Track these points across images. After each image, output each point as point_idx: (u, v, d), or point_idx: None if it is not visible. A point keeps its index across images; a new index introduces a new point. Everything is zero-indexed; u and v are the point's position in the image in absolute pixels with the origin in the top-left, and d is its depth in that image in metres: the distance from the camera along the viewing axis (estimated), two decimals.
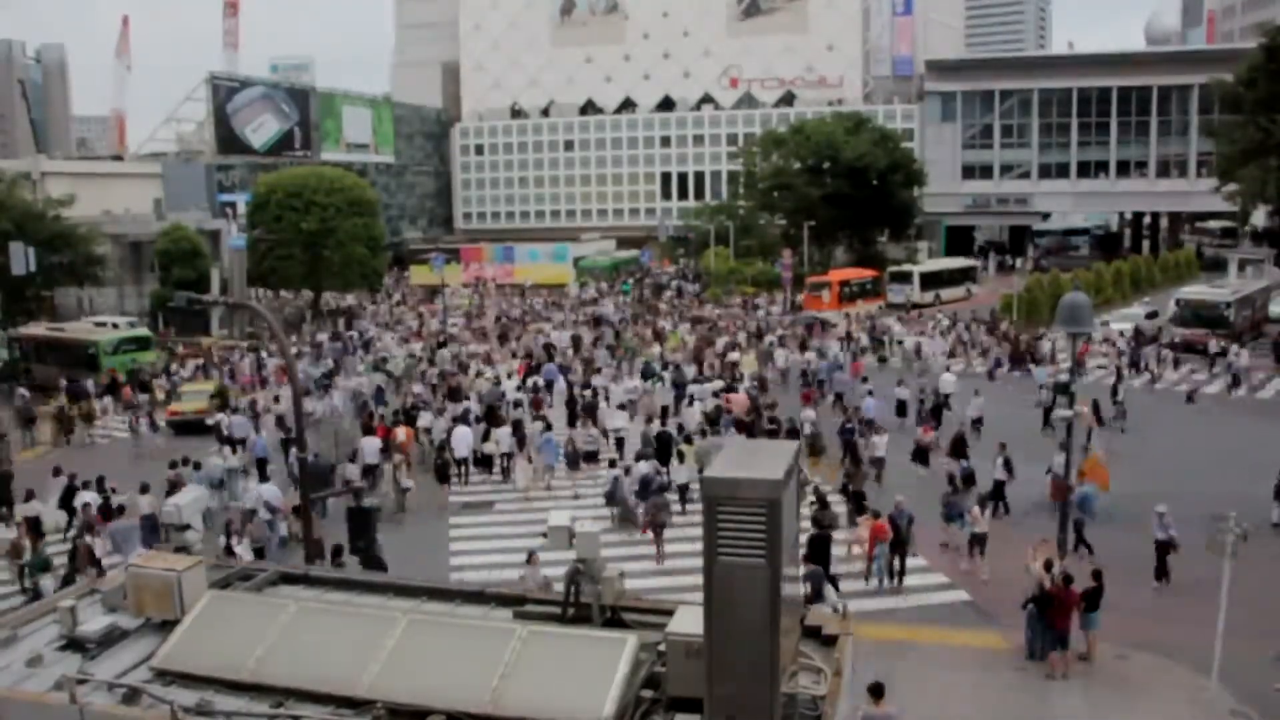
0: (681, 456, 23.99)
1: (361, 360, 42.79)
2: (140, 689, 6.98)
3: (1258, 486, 21.82)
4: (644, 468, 23.19)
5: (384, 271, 68.65)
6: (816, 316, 51.94)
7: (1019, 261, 78.30)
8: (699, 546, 6.05)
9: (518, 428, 27.69)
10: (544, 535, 22.48)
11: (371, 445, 26.08)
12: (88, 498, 22.30)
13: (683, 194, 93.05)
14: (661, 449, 24.90)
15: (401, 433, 27.47)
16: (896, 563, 19.11)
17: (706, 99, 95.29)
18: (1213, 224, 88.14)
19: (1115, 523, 20.48)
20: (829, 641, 7.45)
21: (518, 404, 31.42)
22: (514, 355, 42.67)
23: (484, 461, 27.17)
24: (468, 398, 31.80)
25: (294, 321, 58.32)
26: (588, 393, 32.47)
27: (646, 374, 36.19)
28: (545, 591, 10.61)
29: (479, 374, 36.68)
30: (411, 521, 23.39)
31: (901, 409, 30.52)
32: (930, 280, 60.83)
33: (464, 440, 26.80)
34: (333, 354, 43.63)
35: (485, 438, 27.35)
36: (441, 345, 44.05)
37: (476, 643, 7.13)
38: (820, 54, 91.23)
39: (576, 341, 44.31)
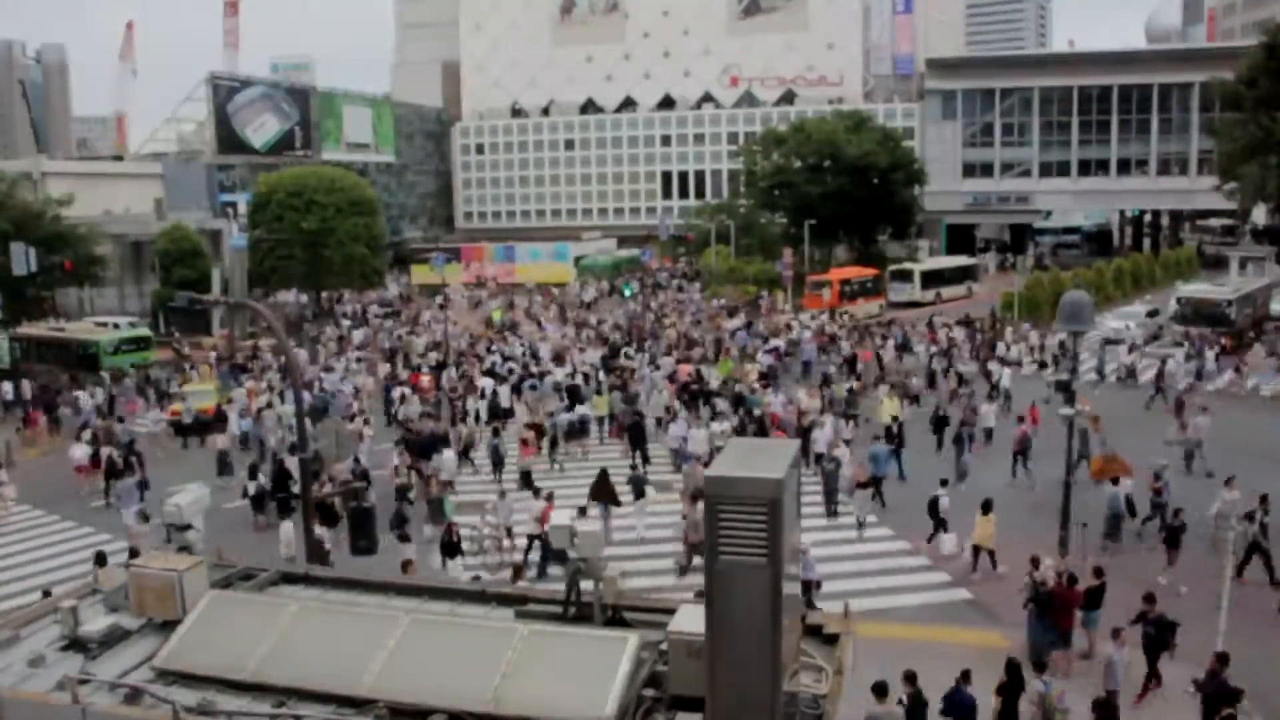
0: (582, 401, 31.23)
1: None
2: (142, 689, 6.98)
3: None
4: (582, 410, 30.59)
5: (384, 271, 68.43)
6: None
7: (1019, 260, 78.19)
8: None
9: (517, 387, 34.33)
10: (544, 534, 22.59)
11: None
12: (78, 453, 27.06)
13: (683, 193, 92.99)
14: (572, 396, 31.90)
15: (425, 379, 35.10)
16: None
17: (707, 98, 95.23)
18: (1214, 222, 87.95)
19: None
20: (830, 640, 7.46)
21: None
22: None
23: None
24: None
25: (294, 320, 58.31)
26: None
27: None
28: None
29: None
30: (412, 521, 23.36)
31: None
32: (931, 279, 60.88)
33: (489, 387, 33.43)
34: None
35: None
36: (441, 369, 38.65)
37: (478, 642, 7.13)
38: (821, 52, 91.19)
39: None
